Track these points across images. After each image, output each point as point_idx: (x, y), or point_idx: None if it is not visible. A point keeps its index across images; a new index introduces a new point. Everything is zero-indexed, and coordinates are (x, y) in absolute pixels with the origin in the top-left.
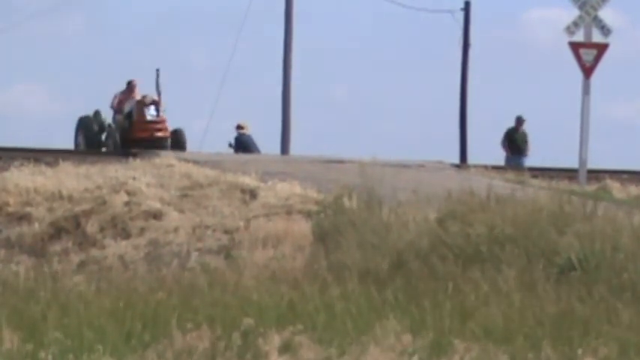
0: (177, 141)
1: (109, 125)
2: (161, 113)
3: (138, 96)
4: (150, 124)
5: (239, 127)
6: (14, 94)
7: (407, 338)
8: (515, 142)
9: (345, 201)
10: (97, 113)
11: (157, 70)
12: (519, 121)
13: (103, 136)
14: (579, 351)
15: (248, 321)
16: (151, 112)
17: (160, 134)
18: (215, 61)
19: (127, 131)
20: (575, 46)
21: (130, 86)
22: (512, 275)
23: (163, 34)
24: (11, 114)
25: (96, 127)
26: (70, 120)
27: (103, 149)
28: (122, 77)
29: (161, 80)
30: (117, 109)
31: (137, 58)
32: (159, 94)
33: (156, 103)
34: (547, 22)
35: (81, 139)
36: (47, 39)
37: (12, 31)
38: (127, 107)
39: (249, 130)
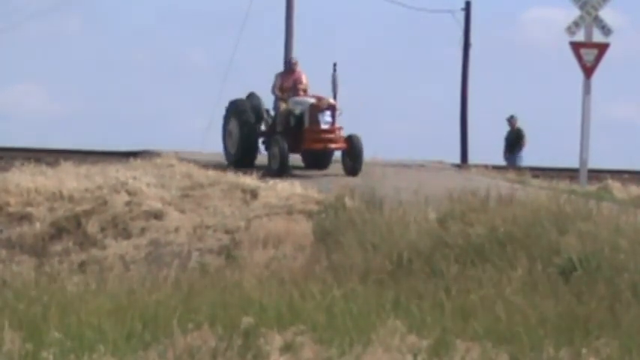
0: (351, 151)
1: (267, 111)
2: (337, 119)
3: (302, 81)
4: (324, 133)
5: None
6: (14, 94)
7: (408, 338)
8: (509, 140)
9: (346, 201)
10: (252, 96)
11: (334, 65)
12: (510, 121)
13: (262, 126)
14: (583, 350)
15: (249, 321)
16: (326, 119)
17: (334, 146)
18: (215, 60)
19: (295, 139)
20: (576, 46)
21: (290, 66)
22: (513, 275)
23: (163, 34)
24: (11, 114)
25: (252, 115)
26: (71, 120)
27: (262, 149)
28: (122, 77)
29: (338, 77)
30: (278, 94)
31: (137, 58)
32: (335, 94)
33: (332, 108)
34: (548, 22)
35: (233, 126)
36: (47, 39)
37: (12, 31)
38: (297, 108)
39: None
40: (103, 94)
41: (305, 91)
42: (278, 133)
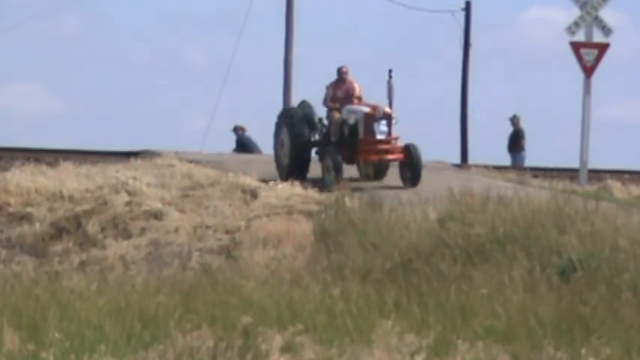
0: (410, 162)
1: (320, 120)
2: (393, 128)
3: (355, 89)
4: (380, 143)
5: (238, 129)
6: (14, 93)
7: (409, 338)
8: (511, 140)
9: (347, 201)
10: (304, 104)
11: (390, 71)
12: (512, 121)
13: (315, 136)
14: (583, 350)
15: (249, 321)
16: (381, 129)
17: (391, 157)
18: (215, 61)
19: (349, 150)
20: (576, 46)
21: (341, 76)
22: (513, 275)
23: (163, 34)
24: (11, 114)
25: (305, 124)
26: (71, 120)
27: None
28: (123, 77)
29: (394, 83)
30: (331, 106)
31: (137, 58)
32: (390, 102)
33: (388, 117)
34: (548, 23)
35: (285, 136)
36: (47, 39)
37: (12, 31)
38: (351, 117)
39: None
40: (103, 94)
41: (359, 98)
42: (332, 144)
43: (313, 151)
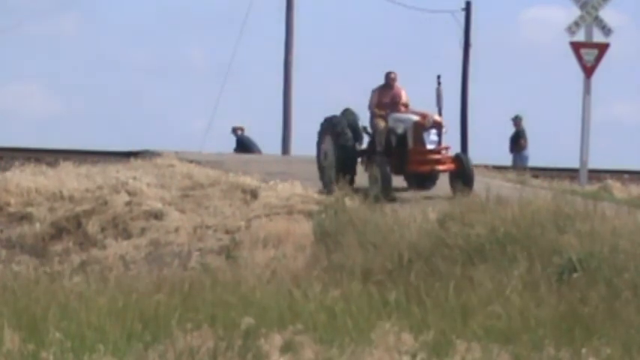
0: (462, 173)
1: (365, 129)
2: (443, 137)
3: (402, 96)
4: (430, 154)
5: (237, 130)
6: (14, 94)
7: (408, 338)
8: (512, 141)
9: (346, 201)
10: (347, 112)
11: (438, 77)
12: (515, 122)
13: (360, 145)
14: (583, 350)
15: (249, 321)
16: (431, 138)
17: (442, 167)
18: (215, 60)
19: (397, 160)
20: (576, 46)
21: (388, 81)
22: (513, 275)
23: (163, 34)
24: (11, 114)
25: (349, 133)
26: (71, 120)
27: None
28: (122, 77)
29: (443, 90)
30: (376, 112)
31: (137, 58)
32: (440, 109)
33: (438, 125)
34: (548, 23)
35: (328, 146)
36: (47, 39)
37: (12, 31)
38: (399, 126)
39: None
40: (103, 94)
41: (406, 106)
42: (378, 154)
43: (359, 161)
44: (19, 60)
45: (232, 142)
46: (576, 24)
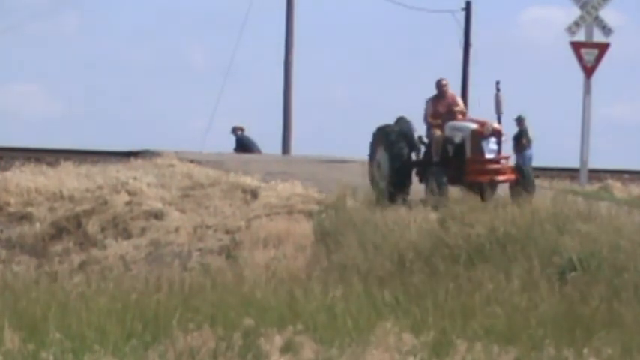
0: (523, 184)
1: (420, 138)
2: (503, 146)
3: (458, 103)
4: (489, 163)
5: (237, 130)
6: (14, 94)
7: (408, 338)
8: (516, 140)
9: (347, 201)
10: (402, 121)
11: (497, 83)
12: (518, 122)
13: (415, 155)
14: (584, 350)
15: (249, 321)
16: (490, 147)
17: (502, 178)
18: (215, 61)
19: (454, 170)
20: (576, 46)
21: (441, 89)
22: (513, 275)
23: (163, 34)
24: (12, 114)
25: (403, 143)
26: (72, 120)
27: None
28: (123, 77)
29: (503, 96)
30: (432, 122)
31: (137, 58)
32: (499, 117)
33: (497, 134)
34: (548, 23)
35: (381, 157)
36: (47, 39)
37: (12, 31)
38: (456, 135)
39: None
40: (103, 94)
41: (463, 114)
42: (434, 164)
43: (414, 172)
44: (19, 60)
45: (232, 142)
46: (576, 24)
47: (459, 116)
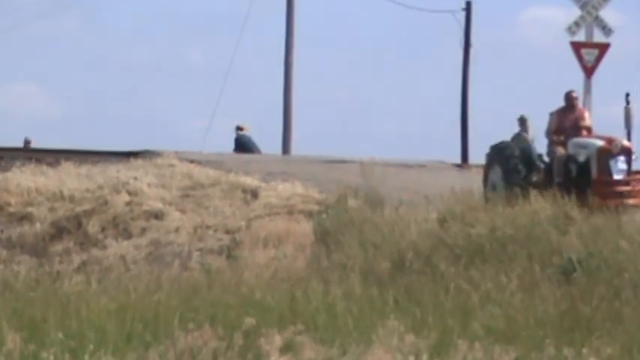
0: None
1: (540, 157)
2: (633, 165)
3: (584, 118)
4: (618, 185)
5: (239, 129)
6: (14, 94)
7: (409, 338)
8: None
9: (347, 201)
10: (519, 138)
11: (627, 95)
12: (521, 121)
13: (534, 177)
14: (584, 350)
15: (249, 321)
16: (619, 167)
17: (632, 201)
18: (215, 61)
19: (578, 192)
20: (576, 46)
21: (570, 102)
22: (513, 275)
23: (163, 34)
24: (12, 114)
25: (521, 162)
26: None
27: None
28: (123, 77)
29: (633, 110)
30: (555, 139)
31: (137, 58)
32: (629, 132)
33: (627, 151)
34: (548, 22)
35: (496, 177)
36: (47, 39)
37: (12, 31)
38: (581, 153)
39: (248, 132)
40: (103, 94)
41: (589, 130)
42: (556, 185)
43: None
44: (19, 60)
45: (233, 141)
46: (576, 24)
47: (584, 132)
